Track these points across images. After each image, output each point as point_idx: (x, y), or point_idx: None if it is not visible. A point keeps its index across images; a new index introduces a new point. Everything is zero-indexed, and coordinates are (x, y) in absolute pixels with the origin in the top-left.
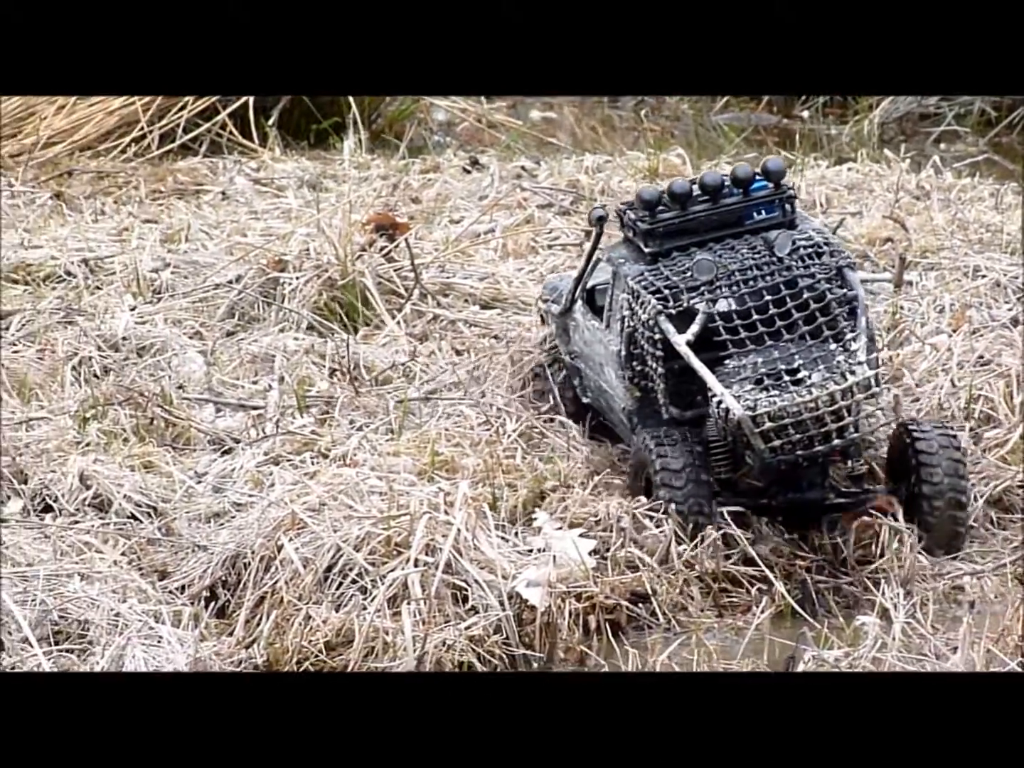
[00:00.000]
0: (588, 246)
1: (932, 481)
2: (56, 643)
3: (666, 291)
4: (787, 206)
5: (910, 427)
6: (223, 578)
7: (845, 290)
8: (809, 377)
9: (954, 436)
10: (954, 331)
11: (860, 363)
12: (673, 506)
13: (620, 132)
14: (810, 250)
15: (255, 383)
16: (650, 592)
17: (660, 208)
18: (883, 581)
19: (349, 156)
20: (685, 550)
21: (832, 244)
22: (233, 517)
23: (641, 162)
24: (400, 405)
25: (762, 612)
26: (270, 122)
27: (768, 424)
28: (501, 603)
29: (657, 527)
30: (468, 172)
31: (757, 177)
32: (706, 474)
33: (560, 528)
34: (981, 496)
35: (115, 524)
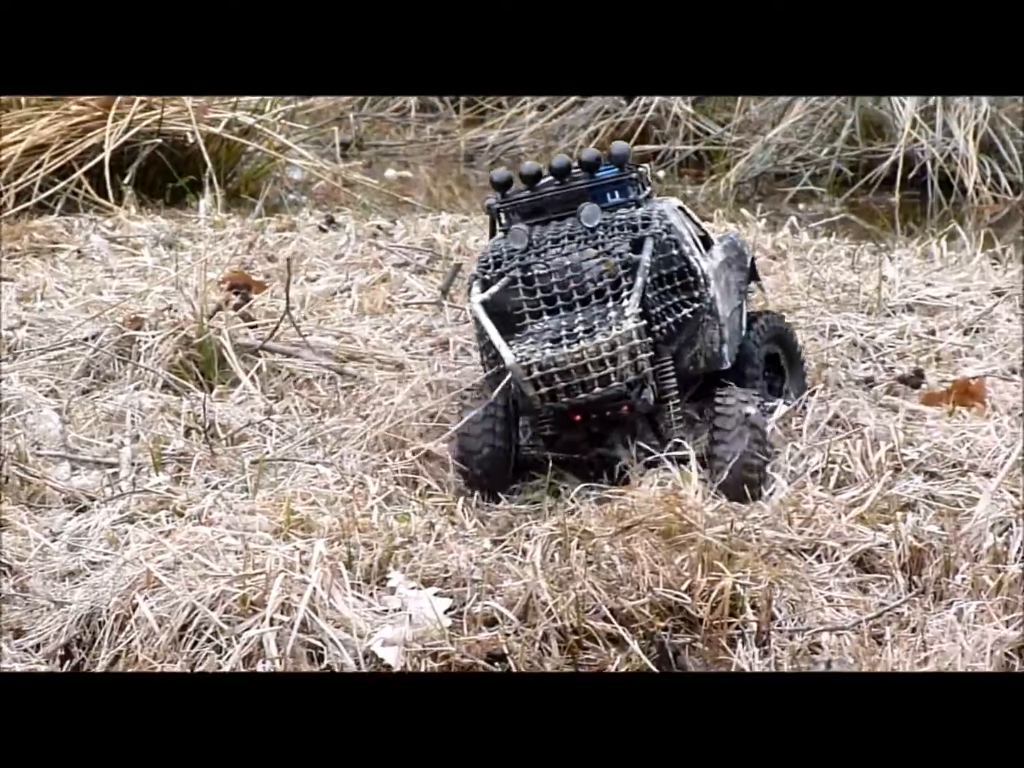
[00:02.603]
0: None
1: (724, 432)
2: None
3: (490, 258)
4: (631, 188)
5: (716, 391)
6: (78, 636)
7: (632, 254)
8: (583, 334)
9: (750, 398)
10: (810, 392)
11: (626, 318)
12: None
13: (476, 191)
14: (623, 222)
15: (110, 441)
16: (507, 652)
17: (511, 189)
18: (739, 640)
19: (205, 214)
20: (547, 602)
21: (651, 219)
22: (88, 575)
23: None
24: (256, 464)
25: (616, 671)
26: (126, 180)
27: (536, 373)
28: (357, 662)
29: (515, 579)
30: (324, 231)
31: (605, 162)
32: (505, 441)
33: (415, 587)
34: (844, 555)
35: None
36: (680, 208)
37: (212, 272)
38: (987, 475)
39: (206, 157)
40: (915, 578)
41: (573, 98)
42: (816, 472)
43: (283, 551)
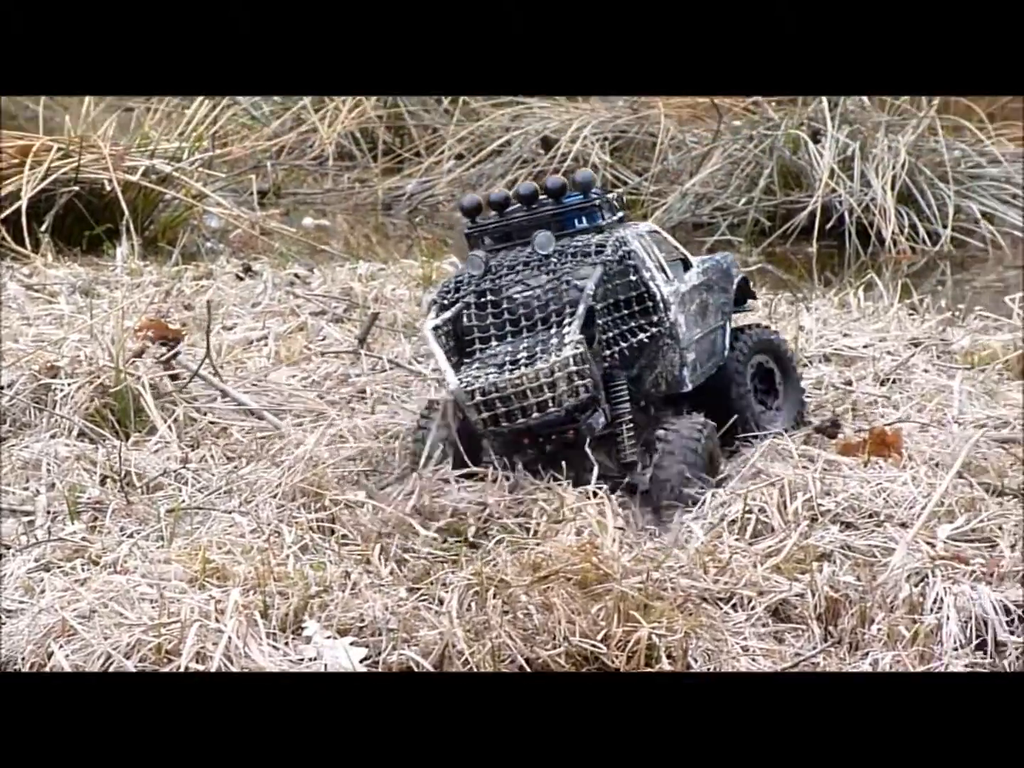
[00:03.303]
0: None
1: (664, 456)
2: None
3: (452, 284)
4: (597, 214)
5: (664, 421)
6: None
7: (577, 282)
8: (525, 361)
9: (699, 426)
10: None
11: (566, 344)
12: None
13: (393, 240)
14: (576, 249)
15: (26, 489)
16: None
17: (480, 215)
18: None
19: (122, 262)
20: (463, 651)
21: (605, 246)
22: (3, 623)
23: (415, 270)
24: (171, 513)
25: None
26: (43, 228)
27: (479, 398)
28: None
29: (431, 628)
30: (241, 279)
31: (571, 189)
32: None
33: (330, 636)
34: (760, 605)
35: None
36: (654, 232)
37: (129, 320)
38: (903, 525)
39: (123, 205)
40: (831, 628)
41: (491, 147)
42: (733, 521)
43: (198, 600)
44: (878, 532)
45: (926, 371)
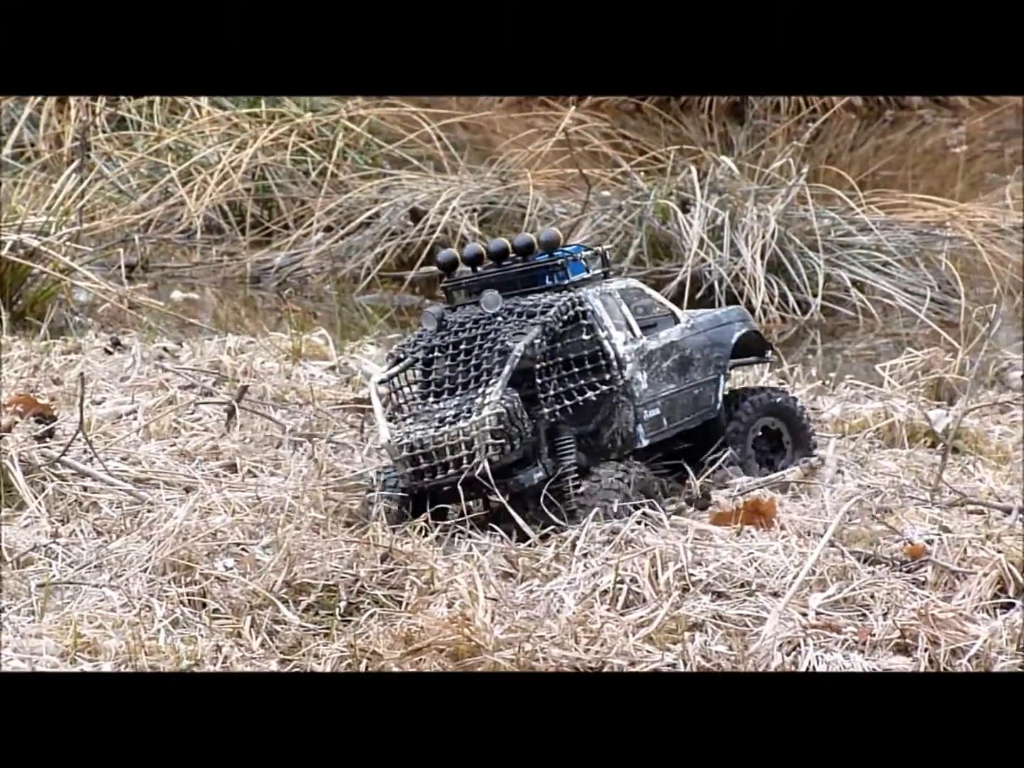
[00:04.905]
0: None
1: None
2: None
3: (414, 337)
4: (561, 273)
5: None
6: None
7: (508, 343)
8: (451, 419)
9: (624, 468)
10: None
11: (485, 405)
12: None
13: (262, 313)
14: (524, 309)
15: None
16: None
17: (456, 269)
18: None
19: None
20: None
21: (552, 306)
22: None
23: (284, 343)
24: (42, 587)
25: None
26: None
27: (405, 453)
28: None
29: None
30: (110, 353)
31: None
32: (407, 509)
33: None
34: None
35: None
36: (634, 288)
37: None
38: (775, 595)
39: None
40: None
41: (359, 219)
42: (605, 591)
43: None
44: (750, 601)
45: None
